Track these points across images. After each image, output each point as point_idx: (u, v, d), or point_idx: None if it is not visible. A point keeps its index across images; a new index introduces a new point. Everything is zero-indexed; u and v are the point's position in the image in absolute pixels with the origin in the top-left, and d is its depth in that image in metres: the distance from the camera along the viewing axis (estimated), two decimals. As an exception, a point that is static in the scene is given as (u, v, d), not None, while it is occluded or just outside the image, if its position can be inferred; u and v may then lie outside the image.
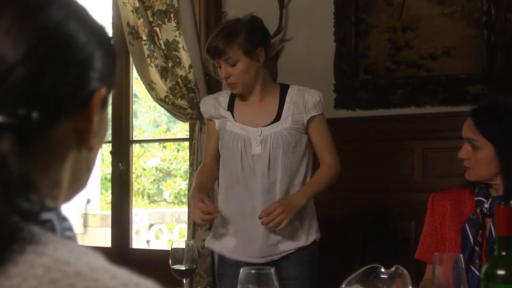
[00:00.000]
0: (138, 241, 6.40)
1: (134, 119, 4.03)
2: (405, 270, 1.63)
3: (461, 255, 1.64)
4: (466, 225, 2.00)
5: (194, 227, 3.38)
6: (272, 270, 1.49)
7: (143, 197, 7.45)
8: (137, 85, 5.03)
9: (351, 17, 3.19)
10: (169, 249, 2.19)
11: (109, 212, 4.18)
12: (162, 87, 3.50)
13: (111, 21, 3.83)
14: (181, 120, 3.67)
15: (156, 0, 3.47)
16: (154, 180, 7.58)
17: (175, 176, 7.22)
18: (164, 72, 3.47)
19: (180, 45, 3.40)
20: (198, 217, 2.32)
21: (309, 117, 2.41)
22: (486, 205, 1.97)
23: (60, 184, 0.70)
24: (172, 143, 7.94)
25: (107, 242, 5.12)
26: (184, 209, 5.74)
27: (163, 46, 3.45)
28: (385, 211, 2.93)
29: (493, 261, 1.42)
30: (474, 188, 2.04)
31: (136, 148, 7.01)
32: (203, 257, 3.29)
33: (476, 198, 2.01)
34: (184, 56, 3.41)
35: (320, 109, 2.44)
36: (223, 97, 2.53)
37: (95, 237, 7.03)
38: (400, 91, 3.11)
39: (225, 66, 2.38)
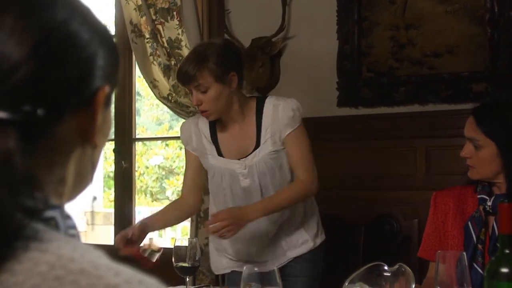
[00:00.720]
0: (141, 239, 6.39)
1: (137, 117, 4.04)
2: (408, 268, 1.63)
3: (464, 253, 1.64)
4: (469, 223, 2.00)
5: (197, 225, 3.38)
6: (275, 268, 1.49)
7: (146, 195, 7.45)
8: (140, 83, 5.03)
9: (354, 15, 3.19)
10: (172, 247, 2.20)
11: (112, 210, 4.19)
12: (165, 85, 3.50)
13: (113, 19, 3.83)
14: (184, 118, 3.66)
15: (159, -2, 3.47)
16: (157, 178, 7.57)
17: (178, 174, 7.21)
18: (167, 70, 3.46)
19: (183, 43, 3.40)
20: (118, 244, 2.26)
21: (284, 135, 2.34)
22: (489, 203, 1.96)
23: (64, 181, 0.70)
24: (174, 141, 7.89)
25: (110, 240, 5.12)
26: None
27: (166, 44, 3.45)
28: (388, 209, 2.92)
29: (496, 259, 1.42)
30: (477, 186, 2.03)
31: (139, 146, 7.00)
32: (206, 255, 3.29)
33: (479, 196, 2.01)
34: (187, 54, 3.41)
35: (295, 123, 2.34)
36: (203, 122, 2.43)
37: (98, 234, 7.04)
38: (403, 89, 3.10)
39: (196, 93, 2.28)
